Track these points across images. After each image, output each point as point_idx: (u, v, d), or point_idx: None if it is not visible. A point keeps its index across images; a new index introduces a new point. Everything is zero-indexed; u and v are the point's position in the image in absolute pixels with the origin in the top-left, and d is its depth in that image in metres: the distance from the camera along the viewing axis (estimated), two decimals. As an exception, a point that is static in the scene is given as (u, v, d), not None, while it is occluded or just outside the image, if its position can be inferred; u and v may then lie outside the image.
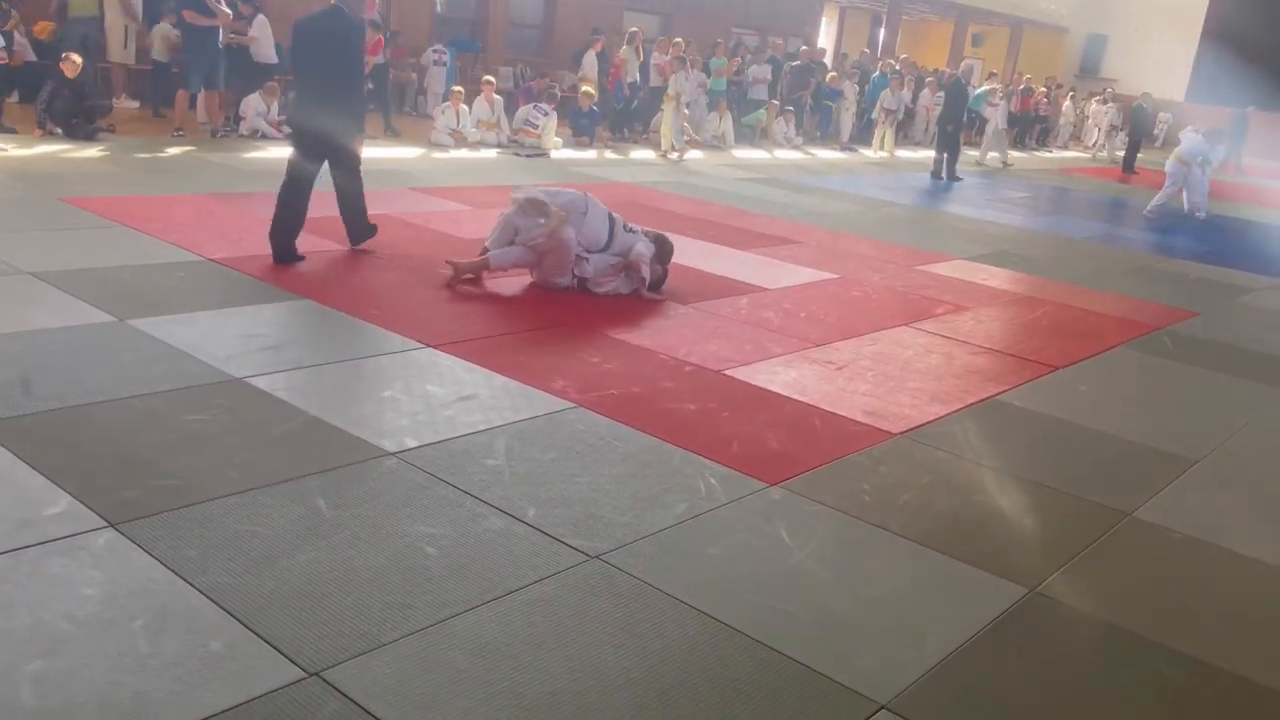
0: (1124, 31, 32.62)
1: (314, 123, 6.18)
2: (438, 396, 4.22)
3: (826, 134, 18.63)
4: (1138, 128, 20.46)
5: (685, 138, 14.52)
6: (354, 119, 6.34)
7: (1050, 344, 6.27)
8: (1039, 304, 7.40)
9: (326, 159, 6.31)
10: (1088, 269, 9.01)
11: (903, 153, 18.28)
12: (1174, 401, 5.47)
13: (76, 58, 9.37)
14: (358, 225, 6.62)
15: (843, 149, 17.66)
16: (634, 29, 15.51)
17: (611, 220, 6.21)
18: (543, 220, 5.96)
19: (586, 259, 6.10)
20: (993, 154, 18.21)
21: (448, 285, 5.90)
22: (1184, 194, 13.40)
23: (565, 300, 5.95)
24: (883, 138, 18.09)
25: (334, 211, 7.46)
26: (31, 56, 11.35)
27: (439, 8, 16.39)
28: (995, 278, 8.10)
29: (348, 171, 6.42)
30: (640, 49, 15.05)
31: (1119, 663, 2.89)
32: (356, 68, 6.54)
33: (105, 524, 2.95)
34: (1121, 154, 20.98)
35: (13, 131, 9.13)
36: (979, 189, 14.53)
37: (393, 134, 12.37)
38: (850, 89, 18.45)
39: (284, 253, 6.06)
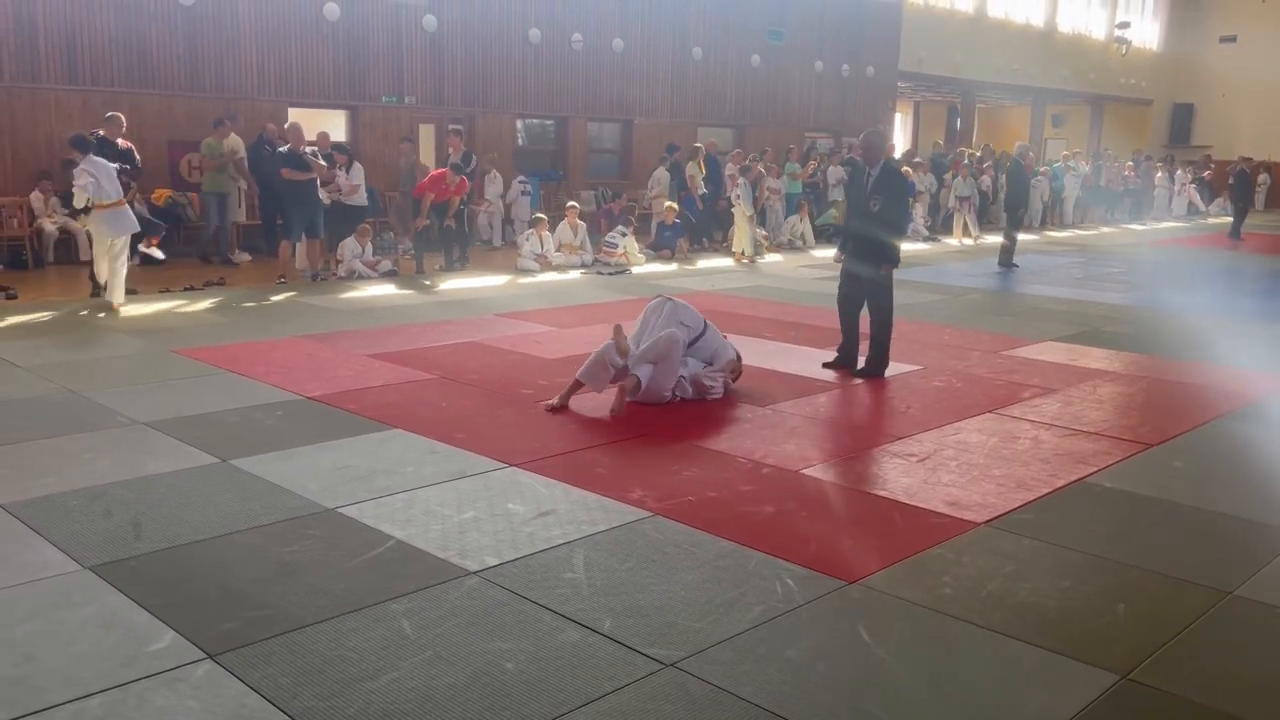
0: (1211, 98, 32.15)
1: (854, 254, 7.29)
2: (519, 514, 4.34)
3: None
4: (1240, 193, 19.93)
5: (765, 244, 14.82)
6: (887, 252, 7.08)
7: (1144, 421, 6.10)
8: (1132, 381, 7.22)
9: (862, 283, 7.20)
10: (1187, 342, 8.76)
11: (990, 238, 18.16)
12: (1276, 472, 5.24)
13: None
14: (872, 359, 7.12)
15: (924, 240, 17.65)
16: (697, 144, 16.01)
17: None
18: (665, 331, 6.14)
19: (685, 362, 6.24)
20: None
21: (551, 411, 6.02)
22: None
23: (641, 412, 6.05)
24: (963, 225, 18.11)
25: (419, 344, 7.80)
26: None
27: (520, 141, 17.19)
28: (1085, 357, 7.94)
29: (874, 298, 7.16)
30: (703, 163, 15.52)
31: (1220, 750, 2.77)
32: (899, 212, 7.55)
33: (205, 656, 3.12)
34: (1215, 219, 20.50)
35: (134, 293, 9.83)
36: (1071, 268, 14.32)
37: (464, 265, 12.69)
38: (923, 181, 18.57)
39: (844, 359, 7.28)
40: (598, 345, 6.23)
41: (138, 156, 10.37)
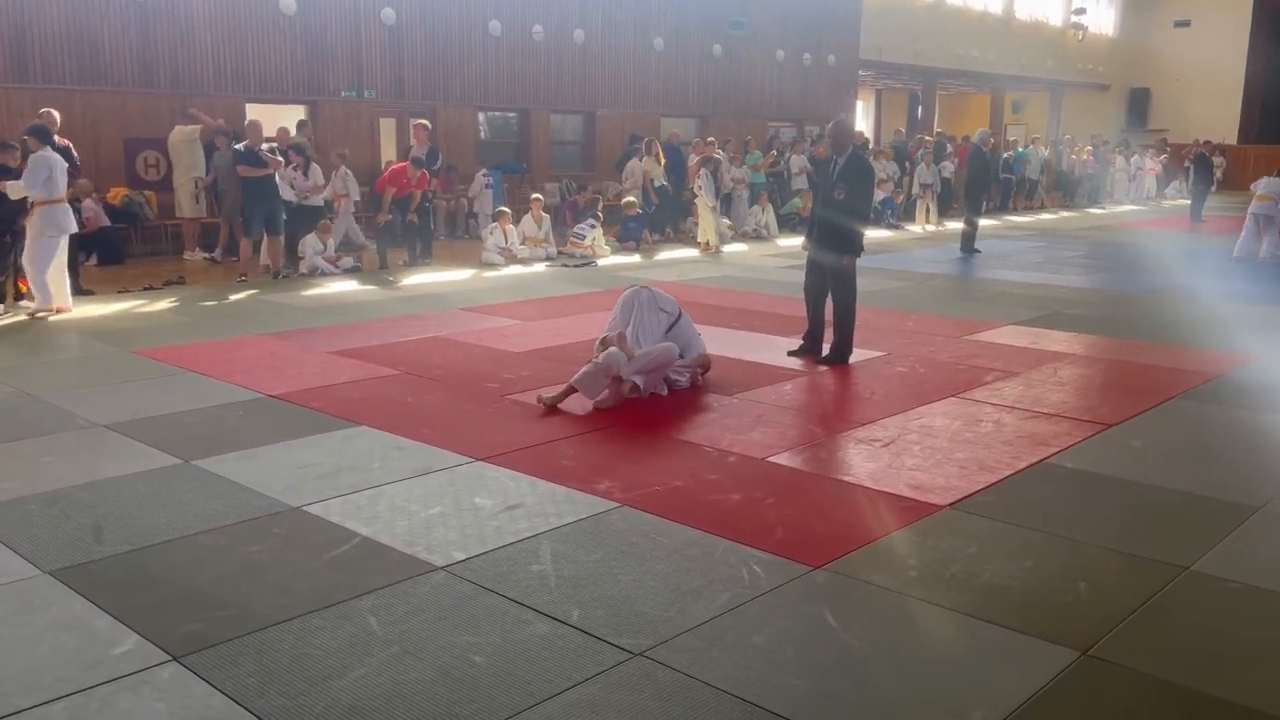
0: (1166, 83, 32.58)
1: (818, 242, 7.32)
2: (485, 508, 4.33)
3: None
4: (1200, 176, 20.24)
5: (731, 233, 14.87)
6: (849, 241, 7.16)
7: (1103, 402, 6.19)
8: (1092, 362, 7.32)
9: (826, 272, 7.25)
10: (1144, 323, 8.90)
11: (953, 224, 18.31)
12: (1232, 449, 5.34)
13: None
14: (835, 346, 7.20)
15: (887, 227, 17.76)
16: (649, 138, 16.02)
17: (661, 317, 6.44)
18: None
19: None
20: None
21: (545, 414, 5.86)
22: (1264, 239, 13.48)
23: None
24: (926, 212, 18.27)
25: (383, 340, 7.75)
26: (106, 222, 12.12)
27: (483, 134, 17.09)
28: (1046, 340, 8.04)
29: (836, 286, 7.21)
30: (660, 155, 15.56)
31: (1177, 722, 2.83)
32: (862, 201, 7.35)
33: (169, 658, 3.09)
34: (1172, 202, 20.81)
35: (91, 293, 9.68)
36: (1032, 252, 14.47)
37: (426, 260, 12.58)
38: (885, 169, 18.66)
39: (809, 347, 7.34)
40: (566, 338, 6.23)
41: (75, 154, 10.07)
